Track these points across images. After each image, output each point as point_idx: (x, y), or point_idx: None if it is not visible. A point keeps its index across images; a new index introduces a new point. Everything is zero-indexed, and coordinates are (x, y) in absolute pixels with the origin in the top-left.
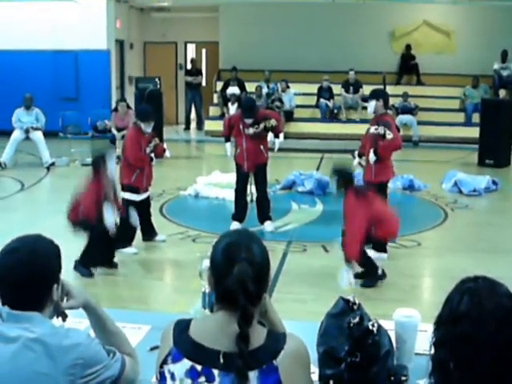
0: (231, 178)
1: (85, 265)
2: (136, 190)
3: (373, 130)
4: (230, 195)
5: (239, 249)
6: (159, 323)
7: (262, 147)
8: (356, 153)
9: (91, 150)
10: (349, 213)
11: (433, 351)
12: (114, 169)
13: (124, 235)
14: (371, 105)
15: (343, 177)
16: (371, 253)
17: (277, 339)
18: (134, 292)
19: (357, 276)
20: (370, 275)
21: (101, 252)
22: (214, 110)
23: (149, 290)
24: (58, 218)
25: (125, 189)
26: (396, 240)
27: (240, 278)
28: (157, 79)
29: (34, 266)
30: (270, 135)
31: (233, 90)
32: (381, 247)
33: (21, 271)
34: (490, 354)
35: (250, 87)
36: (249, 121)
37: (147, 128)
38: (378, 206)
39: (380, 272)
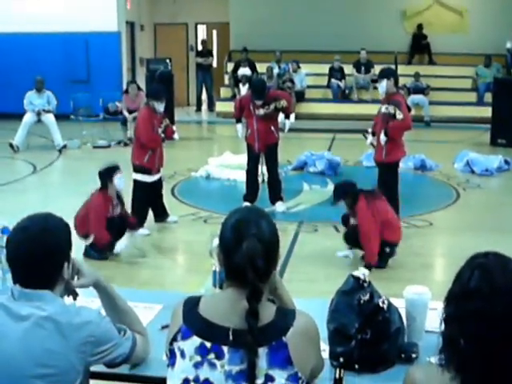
0: (242, 159)
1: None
2: (148, 171)
3: (383, 109)
4: (241, 176)
5: (248, 225)
6: (171, 302)
7: (272, 128)
8: (370, 130)
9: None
10: (363, 222)
11: (443, 327)
12: (121, 184)
13: (136, 216)
14: (382, 85)
15: (348, 192)
16: None
17: (286, 316)
18: (146, 272)
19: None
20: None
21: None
22: (225, 91)
23: (161, 270)
24: (70, 200)
25: (137, 170)
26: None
27: (249, 253)
28: (168, 60)
29: (44, 244)
30: (281, 116)
31: (244, 70)
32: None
33: (31, 249)
34: (501, 330)
35: (261, 68)
36: (259, 102)
37: (160, 107)
38: (387, 211)
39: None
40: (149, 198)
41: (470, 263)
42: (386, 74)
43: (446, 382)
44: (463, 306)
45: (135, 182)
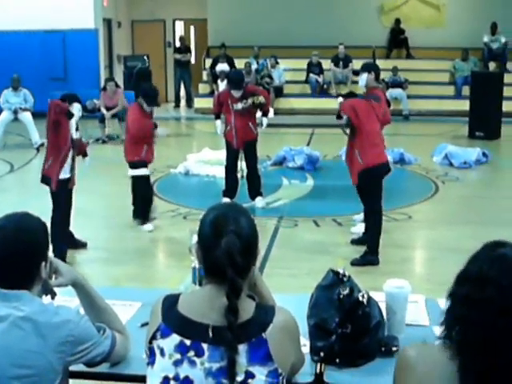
0: (221, 154)
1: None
2: (145, 165)
3: None
4: (220, 172)
5: (227, 221)
6: (150, 300)
7: (250, 124)
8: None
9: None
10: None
11: (449, 304)
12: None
13: (141, 213)
14: (363, 78)
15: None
16: (361, 226)
17: (265, 312)
18: (125, 270)
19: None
20: (368, 253)
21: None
22: (203, 88)
23: (140, 267)
24: (48, 198)
25: (134, 166)
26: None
27: (228, 250)
28: (145, 57)
29: (21, 243)
30: (259, 113)
31: (222, 66)
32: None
33: (7, 248)
34: (509, 319)
35: (239, 64)
36: (237, 94)
37: (147, 108)
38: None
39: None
40: (150, 191)
41: (491, 252)
42: (368, 67)
43: (443, 360)
44: (479, 292)
45: (134, 178)
